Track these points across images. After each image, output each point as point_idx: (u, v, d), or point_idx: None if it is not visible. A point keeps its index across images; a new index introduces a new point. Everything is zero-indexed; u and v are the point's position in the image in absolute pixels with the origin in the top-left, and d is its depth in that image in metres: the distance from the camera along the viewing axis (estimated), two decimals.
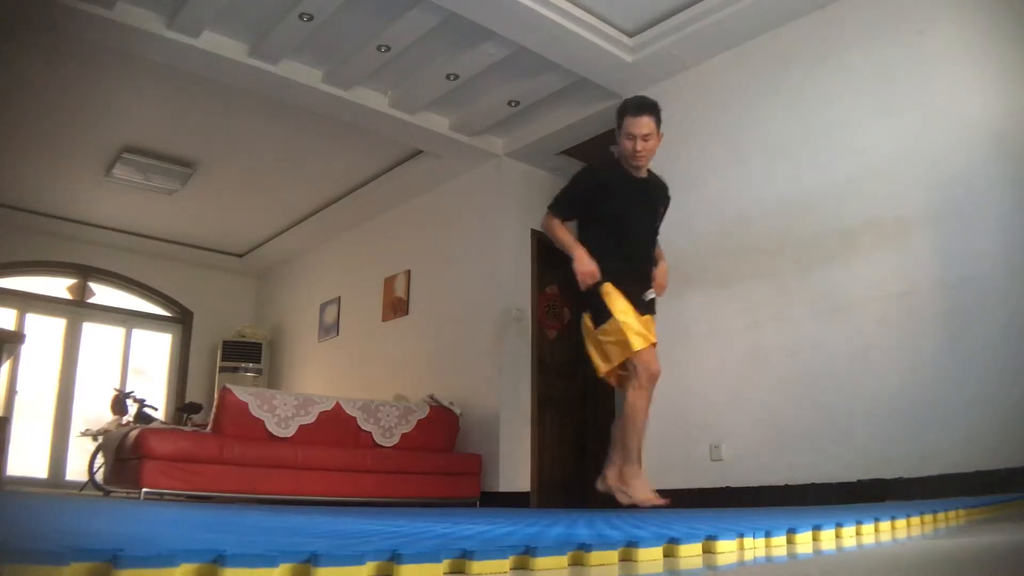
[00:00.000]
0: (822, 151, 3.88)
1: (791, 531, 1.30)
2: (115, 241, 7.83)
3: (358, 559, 0.80)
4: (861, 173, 3.70)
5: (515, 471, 5.30)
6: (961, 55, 3.46)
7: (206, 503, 4.09)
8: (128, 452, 4.21)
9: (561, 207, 3.35)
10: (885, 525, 1.55)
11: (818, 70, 3.98)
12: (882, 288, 3.52)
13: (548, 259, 5.92)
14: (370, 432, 4.81)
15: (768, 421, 3.83)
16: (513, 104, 5.23)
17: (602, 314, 3.15)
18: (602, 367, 3.24)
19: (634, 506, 3.10)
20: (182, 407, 7.16)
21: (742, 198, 4.18)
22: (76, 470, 7.08)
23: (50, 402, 7.47)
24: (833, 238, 3.75)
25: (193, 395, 7.94)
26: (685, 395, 4.11)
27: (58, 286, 7.81)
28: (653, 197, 3.41)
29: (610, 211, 3.28)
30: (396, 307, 6.51)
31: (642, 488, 3.15)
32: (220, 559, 0.74)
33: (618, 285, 3.16)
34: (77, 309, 7.87)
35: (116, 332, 8.12)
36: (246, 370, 7.97)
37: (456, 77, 4.90)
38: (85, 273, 7.92)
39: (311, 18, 4.27)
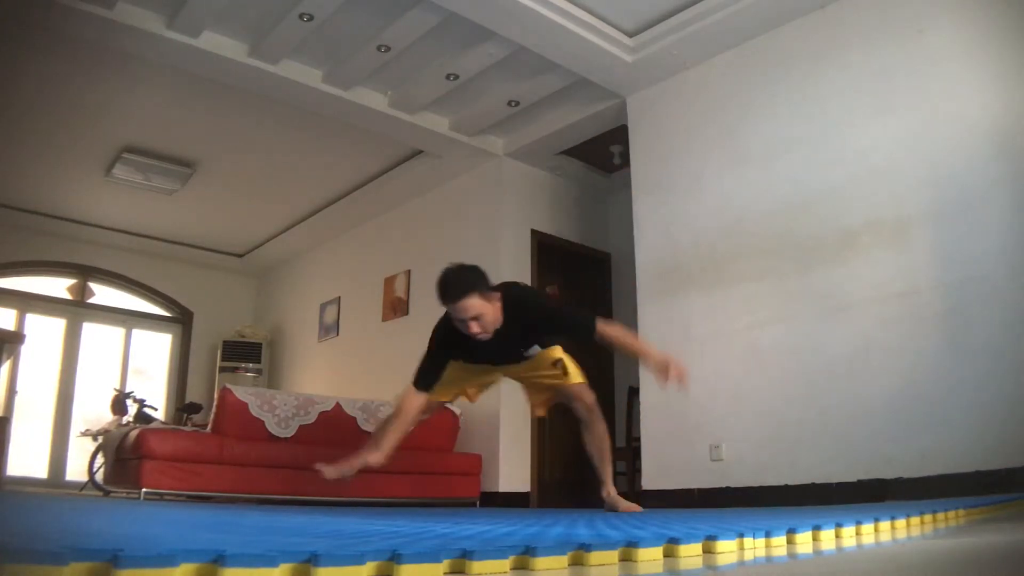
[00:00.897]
0: (822, 151, 3.88)
1: (791, 531, 1.31)
2: (115, 241, 7.83)
3: (358, 559, 0.80)
4: (861, 173, 3.70)
5: (515, 471, 5.29)
6: (961, 55, 3.46)
7: (206, 503, 4.09)
8: (128, 452, 4.21)
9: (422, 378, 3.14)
10: (885, 525, 1.55)
11: (818, 70, 3.98)
12: (882, 288, 3.52)
13: (548, 259, 5.93)
14: (370, 432, 4.80)
15: (768, 421, 3.83)
16: (513, 104, 5.23)
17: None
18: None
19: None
20: (182, 407, 7.15)
21: (742, 198, 4.17)
22: (76, 470, 7.07)
23: (50, 402, 7.47)
24: (833, 238, 3.75)
25: (193, 395, 7.93)
26: (685, 395, 4.09)
27: (58, 286, 7.81)
28: (511, 333, 3.01)
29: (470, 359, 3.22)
30: (396, 307, 6.51)
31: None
32: (220, 559, 0.74)
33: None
34: (77, 309, 7.86)
35: (116, 332, 8.12)
36: (246, 370, 7.97)
37: (456, 77, 4.90)
38: (85, 273, 7.92)
39: (311, 18, 4.27)
